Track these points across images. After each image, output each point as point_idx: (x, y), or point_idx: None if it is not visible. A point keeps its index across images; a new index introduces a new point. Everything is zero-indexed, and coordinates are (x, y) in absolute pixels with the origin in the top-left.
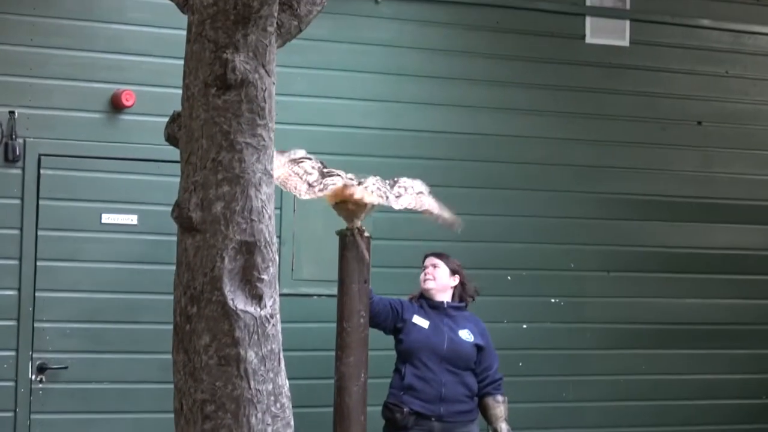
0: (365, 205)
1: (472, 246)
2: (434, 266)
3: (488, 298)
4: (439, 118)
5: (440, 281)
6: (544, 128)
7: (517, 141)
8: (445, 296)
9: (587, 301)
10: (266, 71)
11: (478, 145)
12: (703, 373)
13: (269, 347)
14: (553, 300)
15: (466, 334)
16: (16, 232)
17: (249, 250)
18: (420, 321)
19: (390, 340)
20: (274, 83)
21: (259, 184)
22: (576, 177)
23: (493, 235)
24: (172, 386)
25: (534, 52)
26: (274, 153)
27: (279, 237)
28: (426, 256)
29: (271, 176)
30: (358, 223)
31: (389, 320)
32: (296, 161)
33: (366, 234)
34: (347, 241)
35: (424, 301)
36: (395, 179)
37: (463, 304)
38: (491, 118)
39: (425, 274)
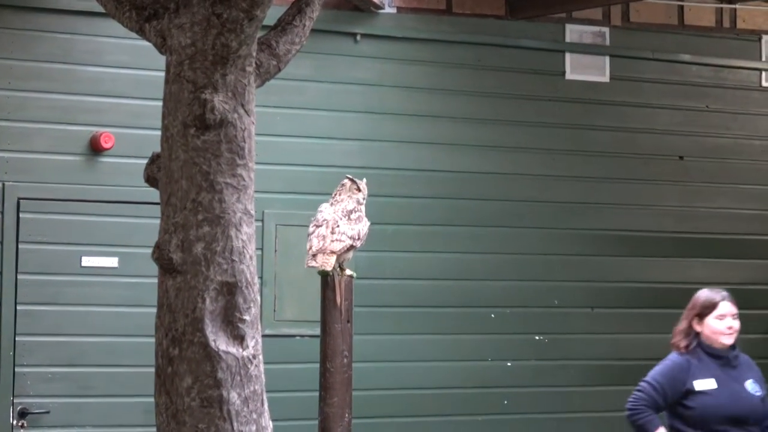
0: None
1: (455, 284)
2: (736, 316)
3: (472, 336)
4: (421, 156)
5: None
6: (526, 165)
7: (500, 178)
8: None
9: (572, 338)
10: (245, 111)
11: (460, 183)
12: None
13: (252, 388)
14: (537, 337)
15: (751, 386)
16: None
17: (230, 290)
18: (705, 384)
19: (376, 380)
20: (253, 123)
21: (240, 224)
22: (559, 214)
23: (476, 272)
24: (155, 429)
25: (515, 89)
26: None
27: (260, 277)
28: (714, 303)
29: (252, 216)
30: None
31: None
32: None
33: (348, 273)
34: (329, 280)
35: (703, 352)
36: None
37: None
38: (473, 155)
39: (729, 328)
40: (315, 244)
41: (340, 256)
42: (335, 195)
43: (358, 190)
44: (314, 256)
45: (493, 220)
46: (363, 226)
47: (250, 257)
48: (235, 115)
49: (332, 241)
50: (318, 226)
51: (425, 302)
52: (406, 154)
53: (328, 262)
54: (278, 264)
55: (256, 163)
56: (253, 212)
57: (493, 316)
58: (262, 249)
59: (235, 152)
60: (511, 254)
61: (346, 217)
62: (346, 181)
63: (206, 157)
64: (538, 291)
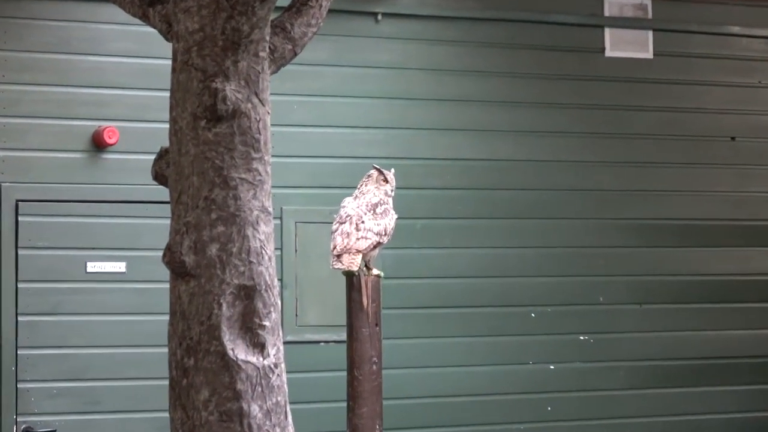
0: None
1: (492, 282)
2: None
3: (511, 338)
4: (451, 144)
5: None
6: (566, 151)
7: (537, 166)
8: None
9: (619, 337)
10: (260, 100)
11: (494, 172)
12: (749, 411)
13: (274, 400)
14: (582, 337)
15: None
16: None
17: (248, 294)
18: None
19: (409, 388)
20: (268, 113)
21: (257, 222)
22: (602, 203)
23: (514, 269)
24: None
25: (551, 68)
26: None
27: (281, 280)
28: None
29: (270, 213)
30: (366, 261)
31: None
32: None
33: (375, 272)
34: (354, 281)
35: None
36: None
37: None
38: (507, 142)
39: None
40: (339, 243)
41: (366, 254)
42: (360, 186)
43: (386, 181)
44: (339, 256)
45: (530, 211)
46: (390, 221)
47: (269, 258)
48: (249, 105)
49: (357, 239)
50: (341, 223)
51: (459, 302)
52: (435, 142)
53: (355, 262)
54: (299, 265)
55: (273, 156)
56: (270, 209)
57: (533, 315)
58: (281, 249)
59: (250, 145)
60: (552, 248)
61: (371, 212)
62: (372, 171)
63: (218, 151)
64: (581, 287)
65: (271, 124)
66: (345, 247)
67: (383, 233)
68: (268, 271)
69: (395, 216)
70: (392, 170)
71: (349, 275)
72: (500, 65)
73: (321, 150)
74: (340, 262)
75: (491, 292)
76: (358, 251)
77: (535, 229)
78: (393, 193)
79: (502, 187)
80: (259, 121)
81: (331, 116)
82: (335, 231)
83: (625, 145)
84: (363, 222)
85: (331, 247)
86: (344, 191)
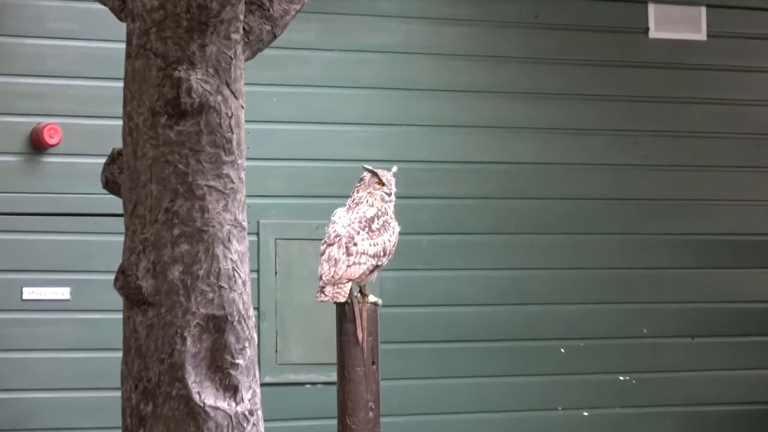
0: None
1: (512, 310)
2: None
3: (535, 379)
4: (462, 144)
5: None
6: (601, 152)
7: (565, 170)
8: None
9: (667, 377)
10: (232, 92)
11: (515, 177)
12: None
13: None
14: (621, 377)
15: None
16: None
17: (218, 326)
18: None
19: None
20: (242, 107)
21: (228, 239)
22: (645, 214)
23: (539, 294)
24: None
25: (583, 52)
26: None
27: (257, 309)
28: None
29: (244, 228)
30: (361, 286)
31: None
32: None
33: (372, 299)
34: (347, 310)
35: None
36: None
37: None
38: (529, 140)
39: None
40: (326, 272)
41: (360, 279)
42: (353, 193)
43: (381, 184)
44: (323, 288)
45: (558, 224)
46: (390, 236)
47: (243, 282)
48: (219, 98)
49: (348, 266)
50: (329, 245)
51: (473, 335)
52: (443, 141)
53: (341, 293)
54: (280, 290)
55: (248, 159)
56: (245, 223)
57: (562, 351)
58: (258, 271)
59: (220, 146)
60: (584, 269)
61: (366, 229)
62: (365, 174)
63: (182, 154)
64: (620, 317)
65: (246, 121)
66: (332, 277)
67: (382, 254)
68: (242, 298)
69: (397, 229)
70: (393, 169)
71: (340, 303)
72: (521, 49)
73: (306, 151)
74: (323, 294)
75: (511, 322)
76: (350, 280)
77: (564, 247)
78: (393, 198)
79: (524, 196)
80: (230, 117)
81: (318, 110)
82: (322, 254)
83: (673, 145)
84: (355, 244)
85: (319, 273)
86: (334, 201)
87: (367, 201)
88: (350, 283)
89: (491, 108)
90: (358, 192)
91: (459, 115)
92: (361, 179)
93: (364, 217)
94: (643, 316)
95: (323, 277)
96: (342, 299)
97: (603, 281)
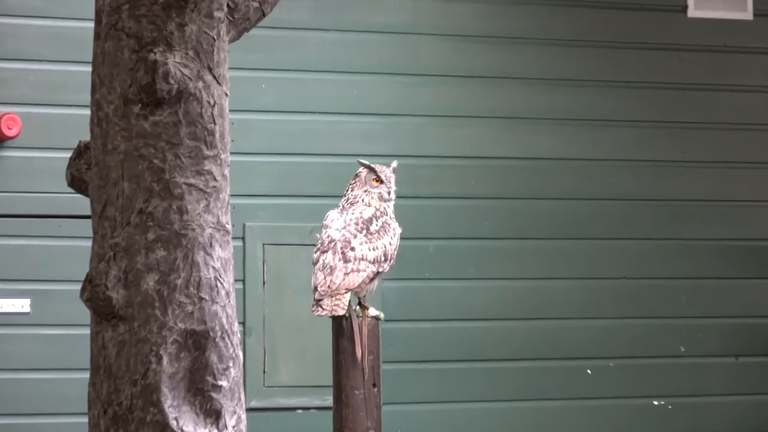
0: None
1: (530, 326)
2: None
3: (558, 403)
4: (475, 137)
5: None
6: (631, 145)
7: (592, 167)
8: None
9: (707, 402)
10: (214, 77)
11: (534, 174)
12: None
13: None
14: (656, 402)
15: None
16: None
17: (198, 343)
18: None
19: None
20: (227, 95)
21: (210, 244)
22: (684, 216)
23: (561, 308)
24: None
25: (613, 34)
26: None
27: (242, 324)
28: None
29: (228, 232)
30: (360, 297)
31: None
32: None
33: (373, 313)
34: (344, 325)
35: None
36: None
37: None
38: (552, 133)
39: None
40: (321, 282)
41: (359, 289)
42: (347, 192)
43: (379, 181)
44: (319, 301)
45: (584, 228)
46: (391, 239)
47: (227, 293)
48: (200, 84)
49: (346, 273)
50: (323, 252)
51: (486, 354)
52: (454, 134)
53: (340, 306)
54: (268, 302)
55: (233, 153)
56: (229, 227)
57: (589, 372)
58: (243, 281)
59: (201, 138)
60: (613, 279)
61: (363, 231)
62: (360, 170)
63: (158, 147)
64: (654, 333)
65: (231, 110)
66: (329, 288)
67: (383, 259)
68: (225, 311)
69: (399, 230)
70: (393, 164)
71: (337, 317)
72: (542, 29)
73: (299, 145)
74: (321, 308)
75: (531, 340)
76: (349, 290)
77: (591, 253)
78: (393, 197)
79: (545, 196)
80: (213, 106)
81: (312, 99)
82: (315, 263)
83: (714, 138)
84: (352, 248)
85: (312, 284)
86: (330, 202)
87: (363, 200)
88: (349, 294)
89: (508, 96)
90: (352, 190)
91: (472, 103)
92: (357, 176)
93: (361, 218)
94: (680, 333)
95: (318, 288)
96: (341, 312)
97: (635, 292)
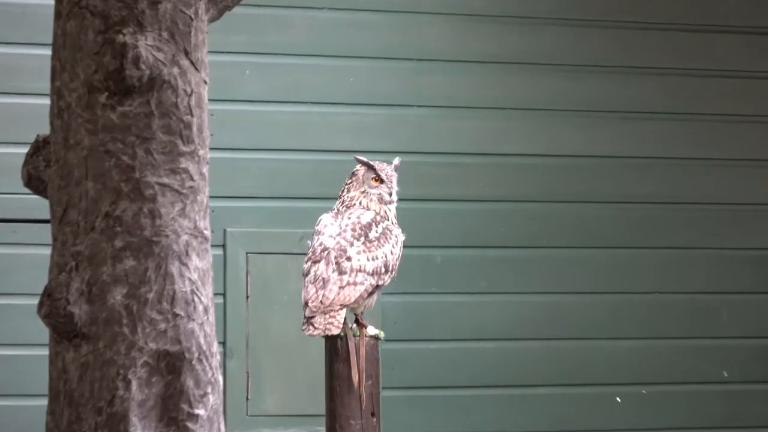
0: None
1: (555, 347)
2: None
3: None
4: (489, 131)
5: None
6: (670, 141)
7: (624, 165)
8: None
9: None
10: (191, 62)
11: (557, 174)
12: None
13: None
14: None
15: None
16: None
17: (172, 366)
18: None
19: None
20: (205, 82)
21: (186, 253)
22: (727, 222)
23: (588, 326)
24: None
25: (645, 14)
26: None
27: (223, 344)
28: None
29: (207, 239)
30: (357, 314)
31: None
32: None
33: (371, 332)
34: (338, 346)
35: None
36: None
37: None
38: (577, 127)
39: None
40: (312, 297)
41: (356, 305)
42: (342, 193)
43: (379, 180)
44: (310, 318)
45: (611, 235)
46: (392, 248)
47: (206, 309)
48: (175, 70)
49: (341, 287)
50: (315, 262)
51: (501, 379)
52: (465, 127)
53: (335, 324)
54: (252, 320)
55: (212, 149)
56: (208, 233)
57: (618, 400)
58: (224, 295)
59: (176, 132)
60: (644, 293)
61: (361, 238)
62: (358, 168)
63: (127, 142)
64: (693, 355)
65: (210, 100)
66: (321, 303)
67: (383, 271)
68: (203, 329)
69: (402, 237)
70: (395, 161)
71: (332, 337)
72: (562, 7)
73: (288, 140)
74: (312, 327)
75: (552, 363)
76: (344, 306)
77: (622, 265)
78: (394, 199)
79: (568, 198)
80: (190, 96)
81: (303, 87)
82: (306, 274)
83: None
84: (348, 258)
85: (302, 299)
86: (324, 204)
87: (360, 203)
88: (344, 310)
89: (527, 84)
90: (348, 191)
91: (484, 93)
92: (353, 175)
93: (359, 223)
94: (722, 355)
95: (309, 304)
96: (336, 331)
97: (671, 309)
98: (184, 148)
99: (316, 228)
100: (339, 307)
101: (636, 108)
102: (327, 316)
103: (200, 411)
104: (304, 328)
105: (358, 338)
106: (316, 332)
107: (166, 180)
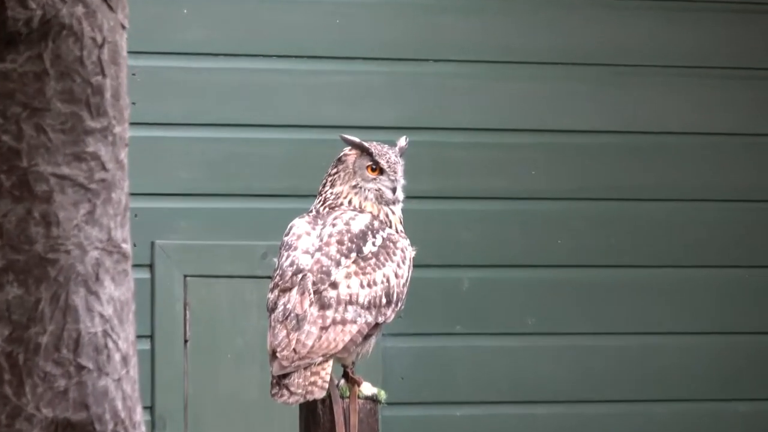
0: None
1: (629, 411)
2: None
3: None
4: (535, 96)
5: None
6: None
7: (726, 144)
8: None
9: None
10: (105, 1)
11: (636, 158)
12: None
13: None
14: None
15: None
16: None
17: None
18: None
19: None
20: (124, 27)
21: (97, 277)
22: None
23: (683, 382)
24: None
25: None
26: None
27: (150, 408)
28: None
29: (127, 256)
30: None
31: None
32: None
33: (367, 391)
34: (318, 411)
35: None
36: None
37: None
38: (664, 89)
39: None
40: (280, 343)
41: (346, 354)
42: (324, 189)
43: (378, 170)
44: (280, 379)
45: (732, 250)
46: (396, 268)
47: (124, 359)
48: (79, 9)
49: (323, 328)
50: (285, 290)
51: None
52: (500, 91)
53: (318, 384)
54: (193, 374)
55: (134, 125)
56: (128, 247)
57: None
58: (152, 337)
59: (81, 100)
60: (761, 334)
61: (352, 255)
62: (347, 151)
63: (9, 114)
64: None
65: (131, 54)
66: (295, 353)
67: (384, 302)
68: (120, 387)
69: (411, 252)
70: (400, 142)
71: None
72: None
73: (243, 112)
74: (284, 390)
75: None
76: (328, 355)
77: (727, 291)
78: (401, 196)
79: (664, 195)
80: (101, 47)
81: (267, 35)
82: (272, 309)
83: None
84: (333, 285)
85: (268, 345)
86: (294, 204)
87: (350, 202)
88: (330, 362)
89: (603, 26)
90: (333, 186)
91: (536, 40)
92: (340, 161)
93: (348, 232)
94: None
95: (278, 353)
96: (321, 394)
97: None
98: (92, 124)
99: (286, 239)
100: (321, 358)
101: (764, 64)
102: (307, 372)
103: None
104: (274, 392)
105: (347, 401)
106: (292, 399)
107: (66, 170)
